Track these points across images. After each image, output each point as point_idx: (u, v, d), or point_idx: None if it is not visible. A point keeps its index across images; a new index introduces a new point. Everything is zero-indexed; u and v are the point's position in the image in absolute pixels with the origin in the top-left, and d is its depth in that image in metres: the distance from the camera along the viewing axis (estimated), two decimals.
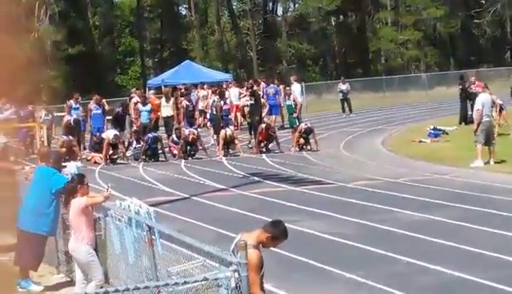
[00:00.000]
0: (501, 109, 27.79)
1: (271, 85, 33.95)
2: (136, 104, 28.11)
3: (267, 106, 30.77)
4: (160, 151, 25.47)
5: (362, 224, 13.66)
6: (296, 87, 34.72)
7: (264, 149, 25.99)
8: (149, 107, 27.23)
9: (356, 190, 17.62)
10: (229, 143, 25.59)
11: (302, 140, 25.94)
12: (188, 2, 63.71)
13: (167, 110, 27.53)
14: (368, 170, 21.14)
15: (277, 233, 7.00)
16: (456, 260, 10.70)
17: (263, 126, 26.35)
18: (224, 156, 25.13)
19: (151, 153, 25.05)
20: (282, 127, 32.25)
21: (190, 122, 28.70)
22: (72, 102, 29.72)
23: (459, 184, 17.73)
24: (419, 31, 61.42)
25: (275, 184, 19.36)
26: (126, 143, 26.00)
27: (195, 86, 35.49)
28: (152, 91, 34.13)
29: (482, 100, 21.12)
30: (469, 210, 14.52)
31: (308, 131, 26.19)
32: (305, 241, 12.52)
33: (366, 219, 14.01)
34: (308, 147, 25.93)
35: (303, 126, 26.65)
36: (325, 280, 10.26)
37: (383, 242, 12.04)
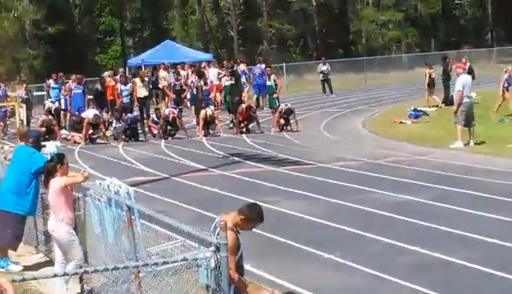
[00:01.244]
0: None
1: (258, 65, 33.76)
2: (116, 84, 27.92)
3: (247, 86, 30.73)
4: (140, 131, 25.39)
5: (342, 205, 13.69)
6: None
7: (244, 130, 26.00)
8: (129, 87, 27.02)
9: (336, 171, 17.65)
10: (209, 123, 25.58)
11: (282, 121, 25.97)
12: None
13: (143, 91, 27.30)
14: (348, 151, 21.16)
15: (252, 215, 6.96)
16: (435, 241, 10.77)
17: (244, 106, 26.33)
18: (204, 136, 25.14)
19: (131, 133, 24.97)
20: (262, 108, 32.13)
21: (178, 102, 28.52)
22: (51, 81, 29.56)
23: (439, 166, 17.80)
24: (400, 12, 61.48)
25: (255, 164, 19.38)
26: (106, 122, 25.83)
27: (175, 65, 35.29)
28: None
29: (463, 80, 21.04)
30: (449, 191, 14.60)
31: (289, 112, 26.22)
32: (284, 222, 12.56)
33: (345, 200, 14.03)
34: (289, 128, 25.99)
35: (283, 106, 26.65)
36: (305, 260, 10.29)
37: (362, 223, 12.08)
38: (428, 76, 32.03)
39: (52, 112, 26.90)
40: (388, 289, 9.09)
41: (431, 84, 32.08)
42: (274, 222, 12.17)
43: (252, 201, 7.07)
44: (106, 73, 32.56)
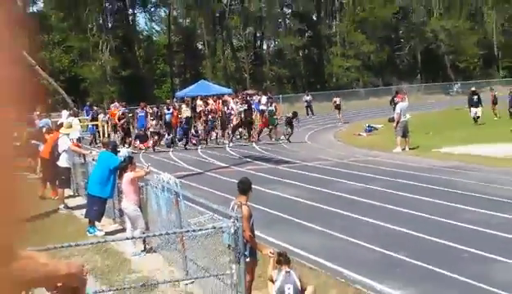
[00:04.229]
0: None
1: (264, 96, 32.66)
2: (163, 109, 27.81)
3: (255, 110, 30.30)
4: (185, 141, 25.38)
5: (320, 191, 13.61)
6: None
7: (259, 137, 26.36)
8: (171, 111, 26.91)
9: (315, 167, 17.55)
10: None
11: (289, 130, 25.97)
12: (203, 40, 63.04)
13: (187, 113, 27.12)
14: (324, 153, 21.04)
15: (247, 187, 6.74)
16: (385, 216, 10.68)
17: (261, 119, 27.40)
18: (230, 143, 25.17)
19: (181, 143, 25.16)
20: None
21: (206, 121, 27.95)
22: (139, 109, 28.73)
23: (384, 164, 17.69)
24: (358, 60, 60.96)
25: (260, 163, 19.29)
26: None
27: (207, 96, 34.97)
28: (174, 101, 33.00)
29: (401, 106, 21.10)
30: (392, 181, 14.49)
31: (294, 114, 26.81)
32: (282, 202, 12.48)
33: (322, 187, 13.96)
34: (294, 130, 26.18)
35: (285, 117, 27.45)
36: (297, 229, 10.23)
37: (335, 203, 12.00)
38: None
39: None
40: (352, 248, 9.02)
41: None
42: (274, 203, 12.12)
43: (253, 186, 6.88)
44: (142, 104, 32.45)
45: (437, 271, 7.60)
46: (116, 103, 31.61)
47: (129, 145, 23.99)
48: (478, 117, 27.04)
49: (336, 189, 13.58)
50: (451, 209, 10.96)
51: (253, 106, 28.86)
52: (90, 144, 25.43)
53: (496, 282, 7.01)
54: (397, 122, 20.35)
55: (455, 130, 24.57)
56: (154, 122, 25.68)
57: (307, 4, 63.36)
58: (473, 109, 27.47)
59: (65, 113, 22.15)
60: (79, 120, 23.66)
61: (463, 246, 8.52)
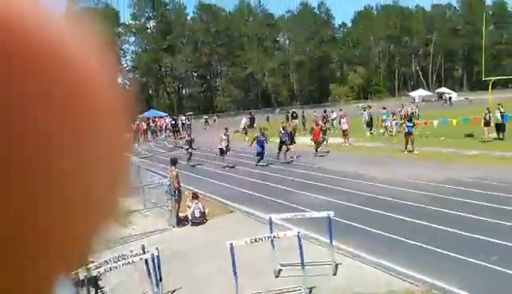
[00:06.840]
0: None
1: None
2: None
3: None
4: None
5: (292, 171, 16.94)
6: None
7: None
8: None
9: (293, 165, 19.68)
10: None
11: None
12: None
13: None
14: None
15: (175, 161, 12.20)
16: (326, 192, 12.87)
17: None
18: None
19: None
20: None
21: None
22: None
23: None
24: None
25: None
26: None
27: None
28: None
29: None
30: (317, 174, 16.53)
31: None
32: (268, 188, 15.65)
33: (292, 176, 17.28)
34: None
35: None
36: (268, 206, 12.39)
37: (292, 186, 14.65)
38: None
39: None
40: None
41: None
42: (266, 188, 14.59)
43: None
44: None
45: None
46: None
47: None
48: None
49: (299, 175, 16.72)
50: None
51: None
52: None
53: None
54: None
55: None
56: None
57: None
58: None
59: None
60: None
61: None
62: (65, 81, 0.24)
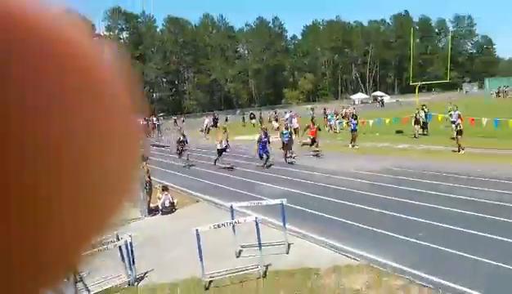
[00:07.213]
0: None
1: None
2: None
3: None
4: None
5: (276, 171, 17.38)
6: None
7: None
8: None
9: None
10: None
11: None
12: None
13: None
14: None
15: (146, 157, 11.62)
16: (312, 188, 12.12)
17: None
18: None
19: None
20: None
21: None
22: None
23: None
24: None
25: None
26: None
27: None
28: None
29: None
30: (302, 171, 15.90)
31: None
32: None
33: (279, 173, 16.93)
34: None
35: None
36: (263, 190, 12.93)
37: (279, 183, 14.23)
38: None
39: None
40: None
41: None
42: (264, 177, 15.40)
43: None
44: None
45: None
46: None
47: None
48: None
49: (286, 173, 16.33)
50: None
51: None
52: None
53: None
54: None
55: None
56: None
57: None
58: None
59: None
60: None
61: None
62: (68, 67, 0.22)
